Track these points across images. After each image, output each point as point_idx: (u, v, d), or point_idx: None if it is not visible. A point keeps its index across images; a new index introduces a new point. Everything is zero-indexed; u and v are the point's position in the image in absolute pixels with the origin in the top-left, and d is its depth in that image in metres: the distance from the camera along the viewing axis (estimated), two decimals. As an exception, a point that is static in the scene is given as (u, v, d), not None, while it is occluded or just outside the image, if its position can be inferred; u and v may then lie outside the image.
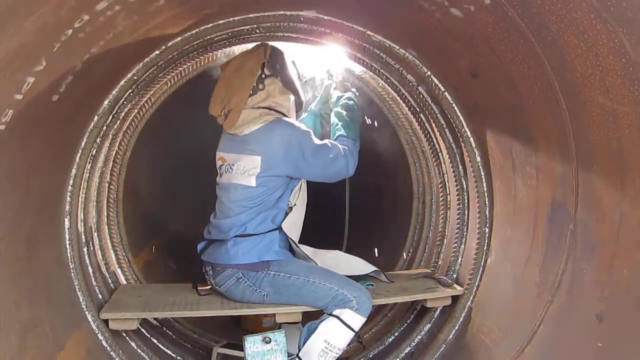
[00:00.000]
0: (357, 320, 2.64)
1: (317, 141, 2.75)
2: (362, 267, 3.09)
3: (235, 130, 2.76)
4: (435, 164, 3.47)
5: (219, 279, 2.81)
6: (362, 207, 3.79)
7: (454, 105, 2.94)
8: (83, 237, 2.93)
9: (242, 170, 2.74)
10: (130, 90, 2.90)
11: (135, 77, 2.86)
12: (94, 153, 2.90)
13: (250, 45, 2.96)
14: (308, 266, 2.81)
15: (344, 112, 2.96)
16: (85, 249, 2.93)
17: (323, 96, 3.20)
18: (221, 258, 2.77)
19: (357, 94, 3.13)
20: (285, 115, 2.82)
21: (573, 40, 1.71)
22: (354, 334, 2.65)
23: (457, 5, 2.10)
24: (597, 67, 1.68)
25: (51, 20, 1.65)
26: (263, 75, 2.76)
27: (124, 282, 3.38)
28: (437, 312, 3.15)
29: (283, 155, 2.69)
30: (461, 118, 2.93)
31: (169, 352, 3.24)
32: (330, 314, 2.65)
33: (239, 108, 2.72)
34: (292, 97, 2.87)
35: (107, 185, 3.29)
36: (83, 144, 2.78)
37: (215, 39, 2.93)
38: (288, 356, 2.68)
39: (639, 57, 1.49)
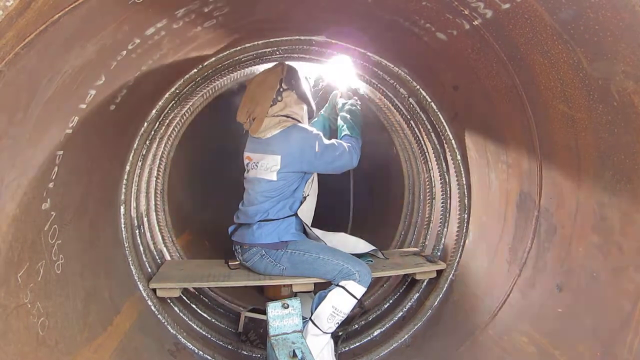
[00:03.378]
0: (359, 290, 2.63)
1: (326, 141, 2.74)
2: (363, 246, 3.08)
3: (259, 135, 2.75)
4: (423, 161, 3.44)
5: (246, 256, 2.82)
6: (364, 197, 3.77)
7: (438, 113, 2.93)
8: (135, 221, 2.94)
9: (265, 167, 2.73)
10: (173, 101, 2.90)
11: (177, 91, 2.86)
12: (144, 153, 2.92)
13: (270, 64, 2.96)
14: (319, 245, 2.80)
15: (348, 116, 2.95)
16: (137, 231, 2.94)
17: (331, 103, 3.19)
18: (248, 238, 2.77)
19: (359, 101, 3.12)
20: (299, 122, 2.81)
21: (538, 58, 1.69)
22: (356, 301, 2.64)
23: (442, 30, 2.08)
24: (558, 80, 1.66)
25: (109, 43, 1.66)
26: (281, 89, 2.74)
27: (169, 258, 3.39)
28: (425, 284, 3.13)
29: (299, 155, 2.68)
30: (444, 124, 2.92)
31: (205, 315, 3.25)
32: (337, 285, 2.64)
33: (261, 116, 2.71)
34: (305, 107, 2.85)
35: (154, 179, 3.30)
36: (135, 145, 2.80)
37: (243, 59, 2.93)
38: (302, 319, 2.69)
39: (594, 72, 1.48)
